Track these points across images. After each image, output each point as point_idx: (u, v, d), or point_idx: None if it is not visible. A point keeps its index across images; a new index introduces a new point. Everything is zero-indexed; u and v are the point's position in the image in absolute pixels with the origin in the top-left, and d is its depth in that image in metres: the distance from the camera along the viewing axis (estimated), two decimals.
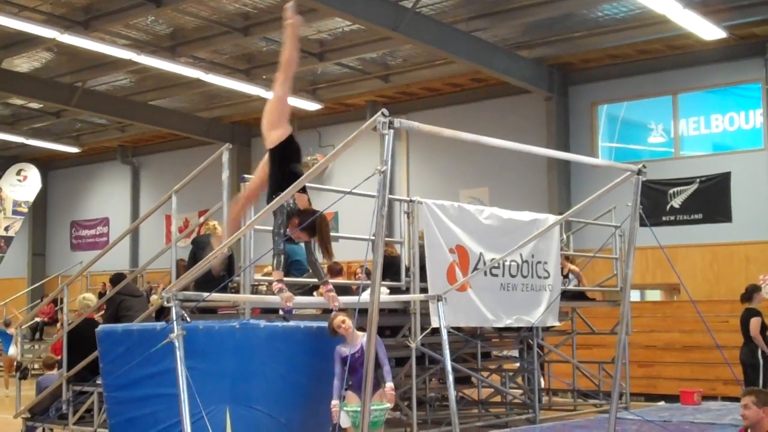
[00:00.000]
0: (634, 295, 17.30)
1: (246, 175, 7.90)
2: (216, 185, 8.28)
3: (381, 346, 7.13)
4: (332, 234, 7.08)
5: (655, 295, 18.02)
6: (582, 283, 12.86)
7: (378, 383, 7.04)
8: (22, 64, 18.54)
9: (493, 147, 6.27)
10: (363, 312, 5.43)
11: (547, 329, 12.20)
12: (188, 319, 5.94)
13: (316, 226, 6.76)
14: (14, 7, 14.96)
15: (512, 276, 10.65)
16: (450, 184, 19.08)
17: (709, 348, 12.88)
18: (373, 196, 4.94)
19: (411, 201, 9.66)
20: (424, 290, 9.30)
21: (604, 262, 14.30)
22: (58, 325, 17.96)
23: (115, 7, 15.04)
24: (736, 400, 7.25)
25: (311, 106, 19.80)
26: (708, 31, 14.63)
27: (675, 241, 15.77)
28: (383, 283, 8.80)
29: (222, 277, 8.68)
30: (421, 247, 9.55)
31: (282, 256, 6.90)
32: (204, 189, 13.85)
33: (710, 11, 14.39)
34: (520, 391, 12.71)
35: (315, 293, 8.32)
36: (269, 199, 6.80)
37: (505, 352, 12.99)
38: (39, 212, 27.57)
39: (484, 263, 10.05)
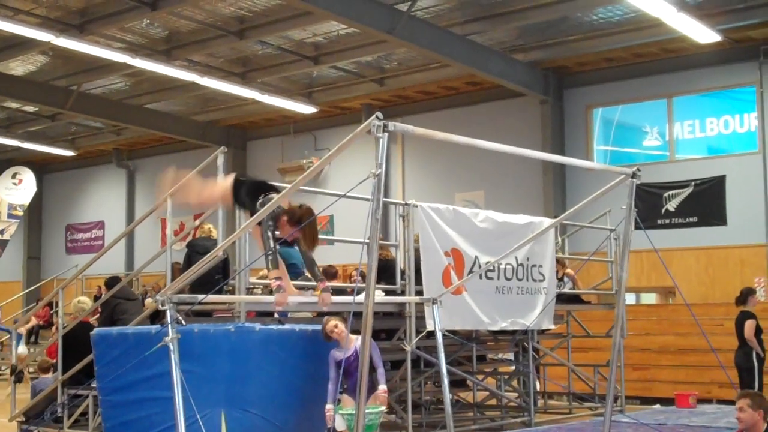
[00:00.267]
0: (629, 298, 17.31)
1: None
2: None
3: (375, 349, 7.13)
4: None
5: (650, 298, 18.02)
6: (577, 286, 12.88)
7: (373, 386, 7.04)
8: (17, 67, 18.52)
9: (489, 150, 6.27)
10: (358, 315, 5.43)
11: (542, 332, 12.23)
12: (183, 322, 5.93)
13: (301, 218, 6.76)
14: (9, 11, 14.95)
15: (507, 279, 10.67)
16: (445, 187, 19.08)
17: (705, 351, 12.92)
18: (367, 200, 4.94)
19: (406, 204, 9.70)
20: (419, 293, 9.32)
21: (599, 265, 14.34)
22: (54, 328, 17.97)
23: (111, 10, 15.02)
24: (731, 403, 7.24)
25: (307, 109, 19.83)
26: (703, 34, 14.66)
27: (670, 245, 15.81)
28: (378, 286, 8.80)
29: (217, 281, 8.66)
30: (417, 250, 9.58)
31: (276, 255, 6.87)
32: None
33: (705, 14, 14.42)
34: (516, 394, 12.71)
35: (311, 292, 8.29)
36: (246, 205, 7.13)
37: (500, 355, 12.98)
38: (34, 215, 27.52)
39: (480, 266, 10.07)
